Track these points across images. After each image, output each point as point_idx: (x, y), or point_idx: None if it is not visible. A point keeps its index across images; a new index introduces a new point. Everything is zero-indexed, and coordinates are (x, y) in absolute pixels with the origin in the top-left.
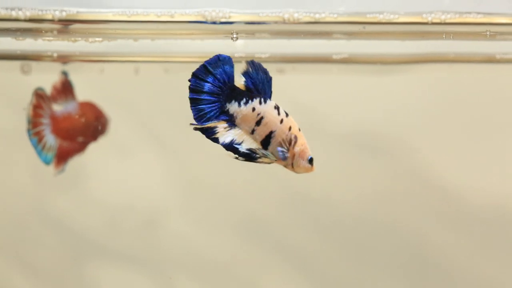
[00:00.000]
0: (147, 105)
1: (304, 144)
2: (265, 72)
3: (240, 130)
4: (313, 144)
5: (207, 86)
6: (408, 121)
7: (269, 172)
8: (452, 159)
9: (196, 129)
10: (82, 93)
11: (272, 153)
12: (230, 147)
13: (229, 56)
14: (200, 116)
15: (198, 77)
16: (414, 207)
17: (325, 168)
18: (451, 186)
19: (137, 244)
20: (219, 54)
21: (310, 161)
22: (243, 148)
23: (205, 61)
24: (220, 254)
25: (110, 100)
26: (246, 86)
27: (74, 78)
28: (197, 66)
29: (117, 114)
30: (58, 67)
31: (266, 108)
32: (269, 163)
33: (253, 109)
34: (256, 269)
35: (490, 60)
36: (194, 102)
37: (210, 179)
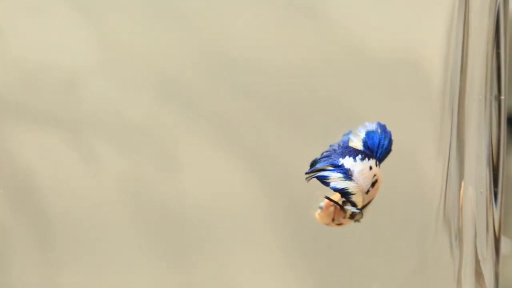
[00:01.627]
0: None
1: None
2: (390, 141)
3: (356, 184)
4: None
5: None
6: None
7: (193, 33)
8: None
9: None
10: None
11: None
12: (341, 192)
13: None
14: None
15: None
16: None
17: (254, 29)
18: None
19: (55, 103)
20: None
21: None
22: (352, 199)
23: None
24: (139, 115)
25: None
26: (364, 143)
27: None
28: None
29: None
30: None
31: (379, 173)
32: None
33: (370, 168)
34: (175, 131)
35: None
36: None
37: (132, 39)
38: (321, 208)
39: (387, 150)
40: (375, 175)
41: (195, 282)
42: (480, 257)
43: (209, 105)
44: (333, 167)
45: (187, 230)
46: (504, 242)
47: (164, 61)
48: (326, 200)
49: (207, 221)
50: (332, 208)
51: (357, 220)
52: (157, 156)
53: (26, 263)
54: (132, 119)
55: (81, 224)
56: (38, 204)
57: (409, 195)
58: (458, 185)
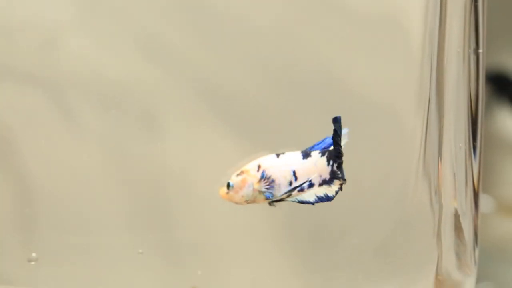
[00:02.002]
0: None
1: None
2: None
3: None
4: None
5: None
6: None
7: None
8: None
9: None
10: None
11: None
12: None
13: None
14: None
15: None
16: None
17: None
18: None
19: (35, 62)
20: None
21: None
22: None
23: None
24: (119, 74)
25: None
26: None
27: None
28: None
29: None
30: None
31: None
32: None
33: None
34: (155, 90)
35: None
36: None
37: None
38: (231, 187)
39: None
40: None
41: (177, 239)
42: (459, 212)
43: (193, 65)
44: None
45: (168, 188)
46: (485, 199)
47: (146, 18)
48: (237, 180)
49: (188, 180)
50: (248, 190)
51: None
52: (137, 116)
53: (3, 222)
54: (113, 78)
55: (60, 182)
56: (16, 162)
57: (389, 149)
58: (438, 139)
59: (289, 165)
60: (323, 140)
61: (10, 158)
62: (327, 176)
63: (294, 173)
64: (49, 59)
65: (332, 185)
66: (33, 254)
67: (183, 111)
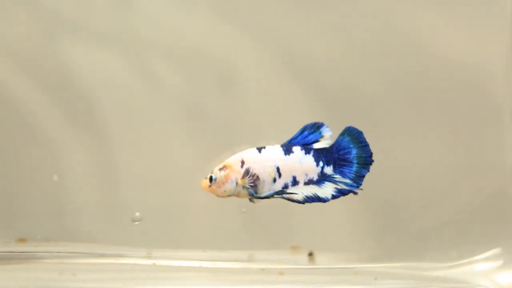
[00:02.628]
0: None
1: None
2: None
3: None
4: None
5: None
6: None
7: None
8: None
9: None
10: None
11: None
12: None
13: None
14: None
15: None
16: None
17: None
18: None
19: (111, 22)
20: None
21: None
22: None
23: None
24: (195, 34)
25: None
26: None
27: None
28: None
29: None
30: None
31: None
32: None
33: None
34: (232, 50)
35: None
36: None
37: None
38: (213, 180)
39: None
40: None
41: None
42: None
43: (270, 28)
44: None
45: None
46: None
47: None
48: (220, 174)
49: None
50: (231, 186)
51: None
52: (214, 77)
53: (83, 173)
54: (187, 36)
55: (144, 142)
56: (96, 117)
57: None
58: None
59: (272, 160)
60: (301, 133)
61: (89, 113)
62: (314, 176)
63: (277, 169)
64: (125, 19)
65: (323, 186)
66: (137, 214)
67: (259, 73)
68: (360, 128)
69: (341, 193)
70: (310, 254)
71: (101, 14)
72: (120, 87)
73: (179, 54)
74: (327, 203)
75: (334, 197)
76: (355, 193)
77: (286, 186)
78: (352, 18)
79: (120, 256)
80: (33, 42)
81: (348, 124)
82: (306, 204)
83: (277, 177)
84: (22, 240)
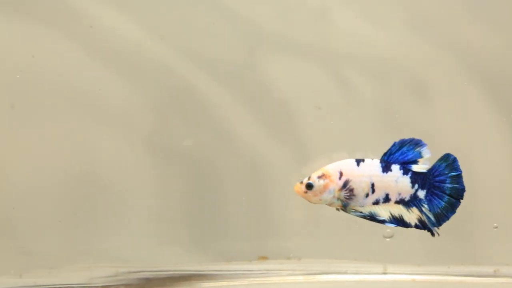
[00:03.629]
0: None
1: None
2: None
3: None
4: None
5: None
6: None
7: None
8: None
9: None
10: None
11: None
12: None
13: None
14: None
15: None
16: None
17: None
18: None
19: (308, 34)
20: None
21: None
22: None
23: None
24: (390, 49)
25: None
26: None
27: None
28: None
29: None
30: None
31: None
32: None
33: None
34: (426, 65)
35: None
36: None
37: None
38: (312, 187)
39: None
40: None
41: None
42: None
43: (462, 36)
44: None
45: None
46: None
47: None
48: (319, 183)
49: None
50: (328, 196)
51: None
52: (407, 85)
53: None
54: (384, 53)
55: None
56: (293, 127)
57: None
58: None
59: (369, 176)
60: (399, 148)
61: (293, 128)
62: (407, 196)
63: (372, 185)
64: (322, 32)
65: (410, 210)
66: (388, 230)
67: (450, 83)
68: None
69: (422, 226)
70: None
71: (300, 27)
72: (317, 98)
73: (373, 65)
74: None
75: (416, 226)
76: (432, 234)
77: (377, 202)
78: None
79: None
80: (233, 55)
81: None
82: None
83: (370, 193)
84: (263, 257)
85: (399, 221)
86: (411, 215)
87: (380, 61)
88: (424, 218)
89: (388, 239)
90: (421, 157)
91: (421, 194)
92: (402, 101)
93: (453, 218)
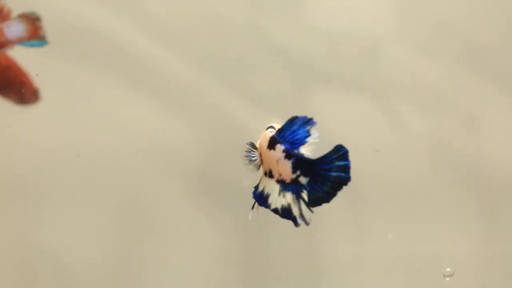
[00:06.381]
0: None
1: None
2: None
3: None
4: None
5: None
6: None
7: None
8: None
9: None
10: None
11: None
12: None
13: None
14: None
15: None
16: None
17: None
18: None
19: (358, 69)
20: None
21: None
22: None
23: None
24: (440, 81)
25: None
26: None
27: None
28: None
29: None
30: None
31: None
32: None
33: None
34: (477, 99)
35: None
36: None
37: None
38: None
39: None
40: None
41: None
42: None
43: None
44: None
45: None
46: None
47: (464, 29)
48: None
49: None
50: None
51: None
52: (457, 117)
53: None
54: (433, 85)
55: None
56: None
57: None
58: None
59: (261, 147)
60: (292, 124)
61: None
62: (287, 179)
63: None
64: (372, 67)
65: (281, 193)
66: (448, 269)
67: (502, 112)
68: None
69: (280, 214)
70: None
71: (349, 62)
72: (367, 132)
73: (424, 98)
74: None
75: (275, 211)
76: (296, 223)
77: (265, 173)
78: None
79: None
80: (283, 93)
81: None
82: None
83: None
84: None
85: (262, 198)
86: (279, 199)
87: (430, 93)
88: (293, 207)
89: (448, 279)
90: (309, 135)
91: (303, 180)
92: (453, 133)
93: None
